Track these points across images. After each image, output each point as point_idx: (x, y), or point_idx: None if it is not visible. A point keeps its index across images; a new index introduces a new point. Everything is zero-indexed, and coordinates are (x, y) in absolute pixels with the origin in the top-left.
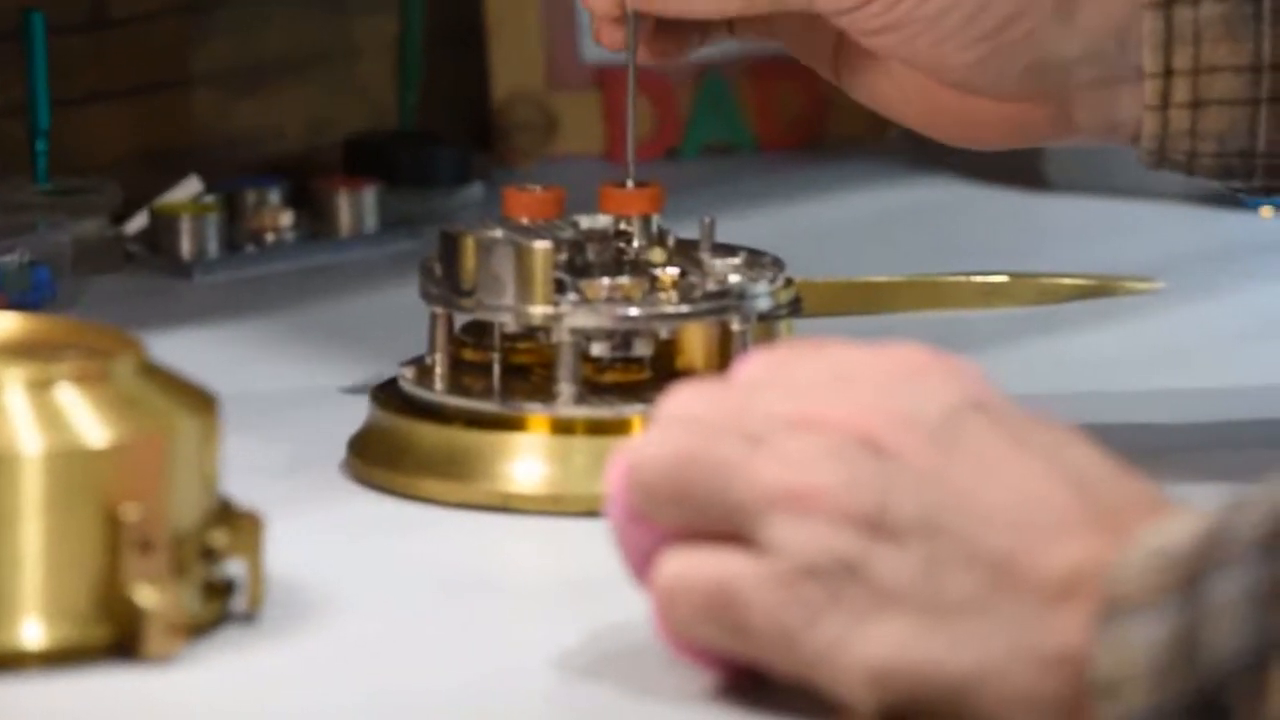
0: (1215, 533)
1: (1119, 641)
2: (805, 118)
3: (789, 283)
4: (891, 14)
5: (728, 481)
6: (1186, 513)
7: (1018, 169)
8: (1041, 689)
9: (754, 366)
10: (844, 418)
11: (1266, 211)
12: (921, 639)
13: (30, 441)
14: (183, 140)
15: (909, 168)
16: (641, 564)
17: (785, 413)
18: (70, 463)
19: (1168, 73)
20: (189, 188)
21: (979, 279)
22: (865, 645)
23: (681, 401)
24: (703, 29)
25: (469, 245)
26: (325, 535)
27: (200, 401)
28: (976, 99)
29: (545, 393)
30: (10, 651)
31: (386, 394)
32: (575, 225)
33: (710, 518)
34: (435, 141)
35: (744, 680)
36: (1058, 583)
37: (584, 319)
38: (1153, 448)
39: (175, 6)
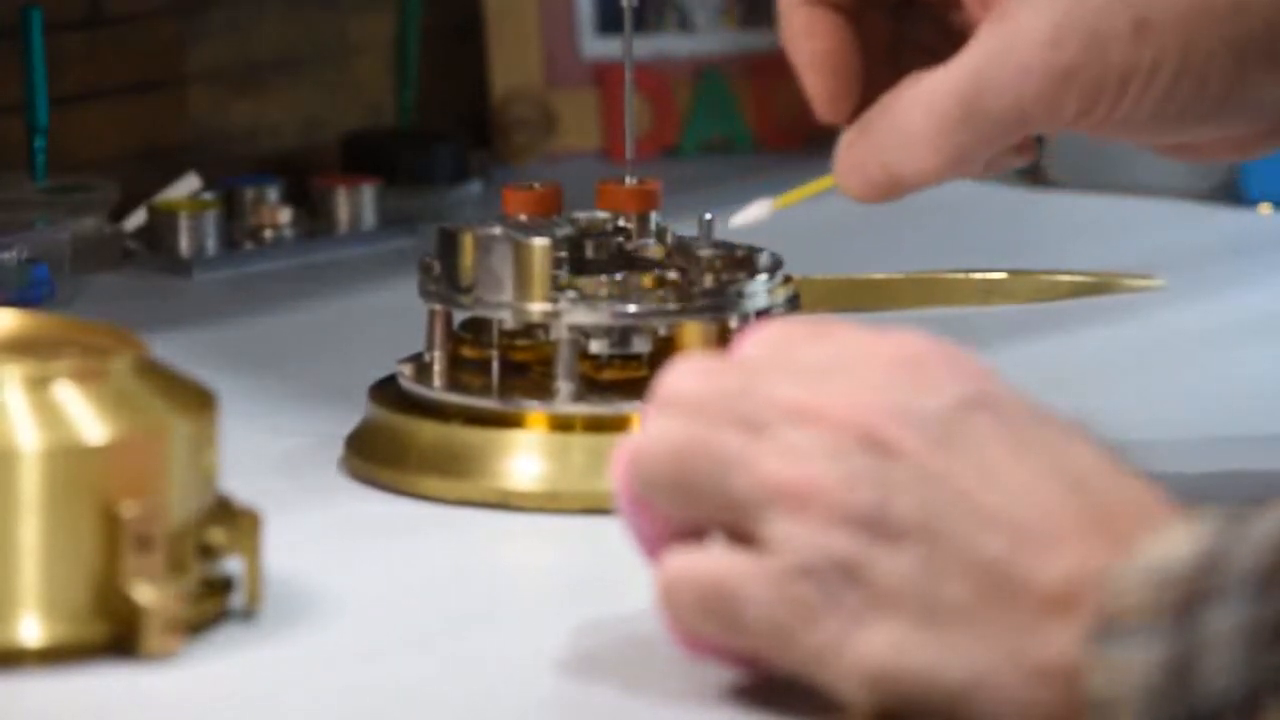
0: (1214, 555)
1: (1114, 660)
2: (803, 115)
3: (787, 280)
4: (1112, 117)
5: (727, 473)
6: (1186, 524)
7: None
8: (1034, 699)
9: (755, 345)
10: (845, 412)
11: (1265, 208)
12: (917, 643)
13: (29, 439)
14: (181, 138)
15: None
16: (648, 549)
17: (786, 400)
18: (69, 460)
19: None
20: (187, 185)
21: (978, 276)
22: (862, 647)
23: (681, 382)
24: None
25: (467, 242)
26: (324, 533)
27: (198, 399)
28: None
29: (544, 390)
30: (8, 649)
31: (385, 391)
32: (574, 222)
33: (710, 508)
34: (433, 139)
35: (750, 674)
36: (1053, 593)
37: (582, 316)
38: (1152, 446)
39: (173, 4)
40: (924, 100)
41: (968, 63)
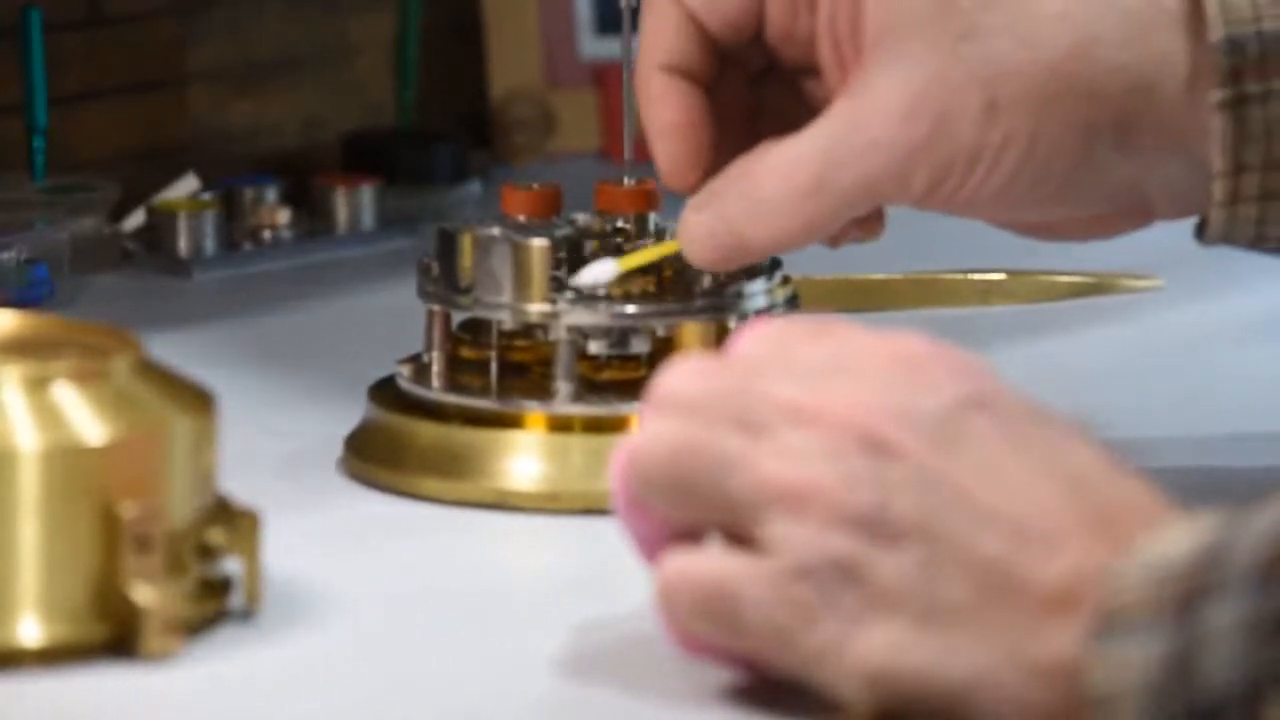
0: (1213, 550)
1: (1114, 656)
2: None
3: (786, 280)
4: (960, 195)
5: (726, 474)
6: (1185, 522)
7: None
8: (1035, 698)
9: (753, 343)
10: (844, 413)
11: None
12: (917, 643)
13: (28, 439)
14: (180, 138)
15: None
16: (646, 551)
17: (785, 401)
18: (68, 461)
19: (1237, 170)
20: (186, 185)
21: (977, 276)
22: (861, 647)
23: (679, 382)
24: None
25: (466, 243)
26: (323, 533)
27: (198, 399)
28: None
29: (543, 390)
30: (8, 649)
31: (384, 392)
32: (572, 223)
33: (708, 509)
34: (433, 139)
35: (750, 675)
36: (1053, 592)
37: (581, 316)
38: (1152, 446)
39: (173, 4)
40: (779, 168)
41: (821, 134)
